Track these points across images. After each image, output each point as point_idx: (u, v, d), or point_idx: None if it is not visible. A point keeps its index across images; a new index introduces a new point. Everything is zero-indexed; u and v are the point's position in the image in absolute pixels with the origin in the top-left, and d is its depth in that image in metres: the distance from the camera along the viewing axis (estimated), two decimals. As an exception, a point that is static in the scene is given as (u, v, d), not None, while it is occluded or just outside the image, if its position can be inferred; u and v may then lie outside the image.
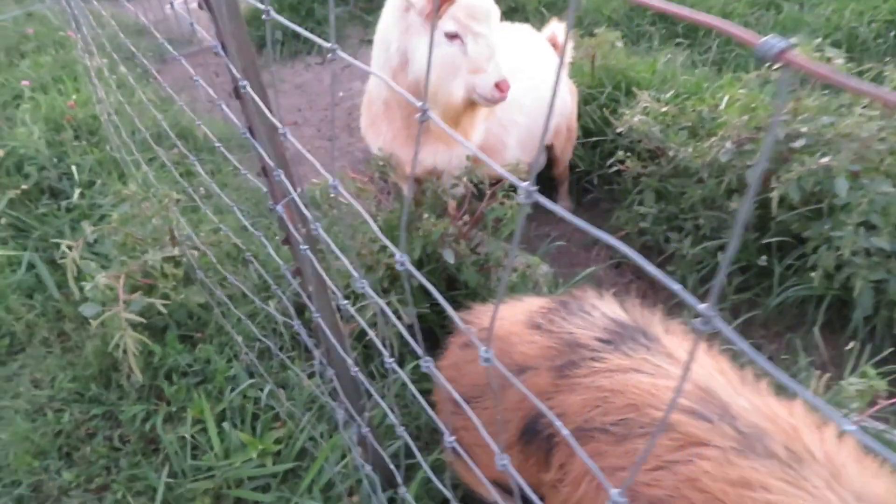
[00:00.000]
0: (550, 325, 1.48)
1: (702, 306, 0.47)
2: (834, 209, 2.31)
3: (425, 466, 1.28)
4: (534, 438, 1.42)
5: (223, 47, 1.27)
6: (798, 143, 2.44)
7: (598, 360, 1.36)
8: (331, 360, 1.60)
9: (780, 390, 1.36)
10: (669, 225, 2.79)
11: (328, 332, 1.50)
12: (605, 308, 1.50)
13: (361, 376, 1.41)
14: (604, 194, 3.29)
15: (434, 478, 1.27)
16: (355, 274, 1.12)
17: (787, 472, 1.13)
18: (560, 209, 0.61)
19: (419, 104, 0.68)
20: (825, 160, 2.33)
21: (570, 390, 1.36)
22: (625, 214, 2.96)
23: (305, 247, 1.37)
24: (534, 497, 0.89)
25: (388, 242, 0.90)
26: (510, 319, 1.56)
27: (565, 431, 0.75)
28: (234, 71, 1.23)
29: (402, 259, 0.82)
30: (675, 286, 0.50)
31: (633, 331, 1.42)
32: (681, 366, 1.33)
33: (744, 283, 2.59)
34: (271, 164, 1.32)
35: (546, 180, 3.44)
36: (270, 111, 1.29)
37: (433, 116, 0.69)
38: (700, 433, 1.20)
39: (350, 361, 1.44)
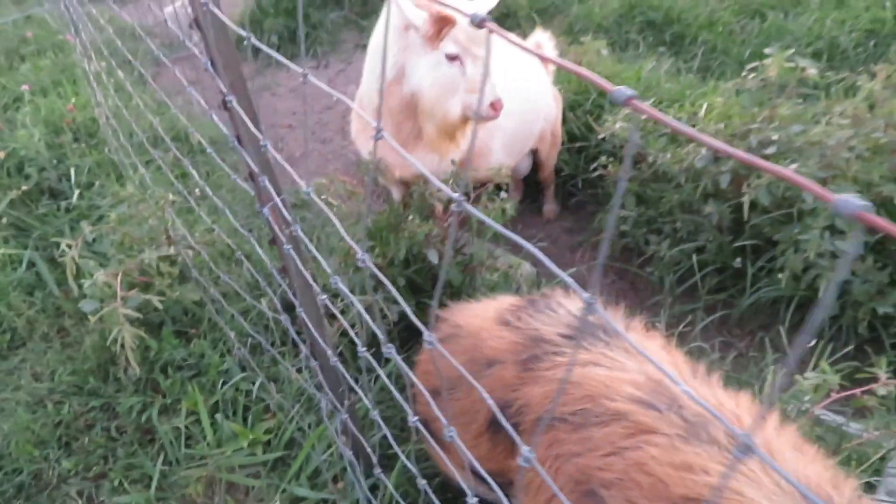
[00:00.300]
0: (518, 322, 1.58)
1: (584, 294, 0.57)
2: (803, 213, 2.42)
3: (399, 453, 1.38)
4: (501, 428, 1.52)
5: (212, 63, 1.37)
6: (769, 150, 2.54)
7: (560, 354, 1.46)
8: (315, 352, 1.70)
9: (729, 382, 1.46)
10: (649, 228, 2.89)
11: (311, 325, 1.60)
12: (570, 306, 1.60)
13: (340, 366, 1.51)
14: (588, 198, 3.39)
15: (408, 463, 1.38)
16: (328, 270, 1.22)
17: (726, 457, 1.23)
18: (487, 220, 0.71)
19: (374, 124, 0.78)
20: (794, 166, 2.43)
21: (533, 382, 1.46)
22: (605, 217, 3.06)
23: (289, 246, 1.47)
24: (482, 471, 1.00)
25: (351, 242, 1.00)
26: (482, 317, 1.67)
27: (502, 418, 0.85)
28: (222, 86, 1.34)
29: (363, 257, 0.92)
30: (566, 278, 0.61)
31: (595, 327, 1.52)
32: (637, 359, 1.43)
33: (720, 283, 2.70)
34: (257, 170, 1.42)
35: (533, 184, 3.54)
36: (255, 123, 1.40)
37: (387, 136, 0.79)
38: (649, 421, 1.30)
39: (330, 352, 1.54)
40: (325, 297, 1.45)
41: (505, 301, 1.72)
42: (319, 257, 1.26)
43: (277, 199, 1.41)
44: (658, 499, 1.22)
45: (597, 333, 1.52)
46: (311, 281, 1.55)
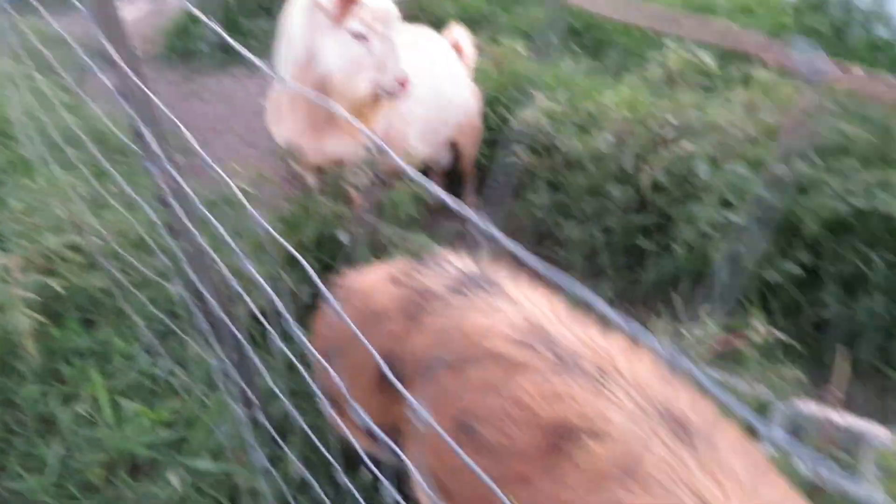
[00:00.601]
0: (407, 279, 1.62)
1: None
2: (698, 190, 2.54)
3: (300, 421, 1.39)
4: (388, 381, 1.55)
5: (94, 17, 1.38)
6: (668, 133, 2.67)
7: (444, 304, 1.50)
8: (207, 313, 1.70)
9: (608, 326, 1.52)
10: (560, 212, 2.98)
11: (197, 281, 1.60)
12: (459, 263, 1.65)
13: (226, 318, 1.52)
14: (507, 190, 3.47)
15: (307, 429, 1.39)
16: (234, 247, 1.24)
17: (594, 386, 1.29)
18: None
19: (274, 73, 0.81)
20: (690, 147, 2.56)
21: (418, 332, 1.50)
22: (521, 205, 3.15)
23: (174, 201, 1.48)
24: (362, 414, 1.02)
25: (222, 174, 1.02)
26: (373, 277, 1.70)
27: (382, 364, 0.87)
28: (103, 38, 1.35)
29: (231, 183, 0.94)
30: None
31: (480, 279, 1.57)
32: (517, 306, 1.48)
33: (627, 262, 2.79)
34: (140, 122, 1.43)
35: (454, 176, 3.60)
36: (140, 76, 1.41)
37: (289, 80, 0.82)
38: (524, 359, 1.35)
39: (215, 304, 1.54)
40: (210, 250, 1.46)
41: (397, 264, 1.76)
42: (206, 212, 1.28)
43: (161, 152, 1.42)
44: (529, 427, 1.27)
45: (481, 284, 1.57)
46: (199, 239, 1.55)
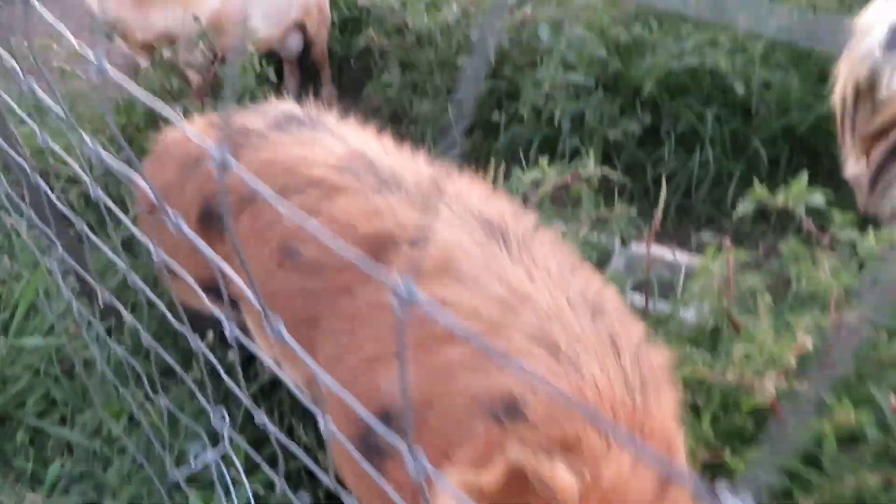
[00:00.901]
0: (226, 122, 1.55)
1: None
2: (542, 55, 2.56)
3: (143, 288, 1.30)
4: (210, 222, 1.50)
5: None
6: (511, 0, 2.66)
7: (264, 140, 1.46)
8: (25, 195, 1.57)
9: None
10: (413, 91, 2.95)
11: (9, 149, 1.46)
12: (282, 106, 1.60)
13: (39, 179, 1.40)
14: (361, 74, 3.39)
15: (152, 296, 1.30)
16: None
17: (413, 202, 1.29)
18: None
19: None
20: (532, 13, 2.57)
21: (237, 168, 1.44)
22: (375, 87, 3.08)
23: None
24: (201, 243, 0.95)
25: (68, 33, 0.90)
26: (192, 127, 1.62)
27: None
28: None
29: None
30: None
31: (302, 118, 1.52)
32: (341, 139, 1.45)
33: (483, 133, 2.81)
34: None
35: (309, 65, 3.47)
36: None
37: None
38: (343, 183, 1.33)
39: (28, 167, 1.42)
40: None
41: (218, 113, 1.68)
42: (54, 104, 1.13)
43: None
44: (350, 242, 1.26)
45: (304, 122, 1.52)
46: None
